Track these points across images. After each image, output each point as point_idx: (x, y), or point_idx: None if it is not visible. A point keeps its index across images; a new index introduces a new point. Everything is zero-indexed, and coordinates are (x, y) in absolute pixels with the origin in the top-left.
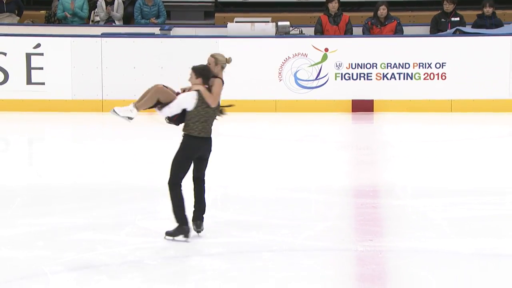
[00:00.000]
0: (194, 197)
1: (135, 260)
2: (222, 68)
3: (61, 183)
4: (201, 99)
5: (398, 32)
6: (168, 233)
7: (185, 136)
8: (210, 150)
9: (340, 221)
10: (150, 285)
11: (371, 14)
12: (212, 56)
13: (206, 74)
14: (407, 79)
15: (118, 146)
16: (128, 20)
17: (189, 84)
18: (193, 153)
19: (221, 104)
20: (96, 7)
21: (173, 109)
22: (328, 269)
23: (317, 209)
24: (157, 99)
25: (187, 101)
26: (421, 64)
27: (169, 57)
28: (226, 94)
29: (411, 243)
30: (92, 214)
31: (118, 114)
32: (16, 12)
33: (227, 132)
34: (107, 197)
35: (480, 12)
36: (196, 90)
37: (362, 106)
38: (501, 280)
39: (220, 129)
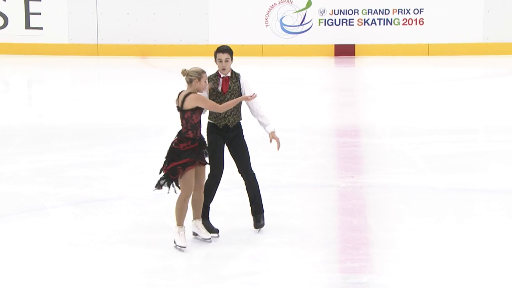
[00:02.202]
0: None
1: (129, 195)
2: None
3: (60, 123)
4: None
5: None
6: None
7: None
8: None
9: (323, 159)
10: (144, 219)
11: None
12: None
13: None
14: (386, 24)
15: (113, 88)
16: None
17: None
18: None
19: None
20: None
21: None
22: (311, 204)
23: (301, 147)
24: None
25: None
26: (400, 10)
27: (161, 3)
28: (216, 40)
29: (389, 179)
30: (89, 152)
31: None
32: None
33: None
34: (103, 136)
35: None
36: None
37: (344, 50)
38: (473, 211)
39: (210, 72)
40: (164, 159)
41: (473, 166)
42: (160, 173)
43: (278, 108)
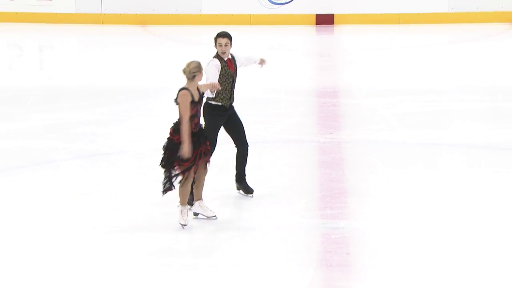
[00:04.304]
0: None
1: (131, 150)
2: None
3: (68, 84)
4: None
5: None
6: None
7: None
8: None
9: (305, 117)
10: (144, 171)
11: None
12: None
13: None
14: None
15: (115, 53)
16: None
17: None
18: None
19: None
20: None
21: None
22: (295, 158)
23: (286, 107)
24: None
25: None
26: None
27: None
28: (209, 10)
29: (364, 135)
30: (95, 111)
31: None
32: None
33: (207, 41)
34: (107, 96)
35: None
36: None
37: (324, 20)
38: (439, 163)
39: (202, 39)
40: (164, 150)
41: (439, 123)
42: (160, 164)
43: (265, 72)
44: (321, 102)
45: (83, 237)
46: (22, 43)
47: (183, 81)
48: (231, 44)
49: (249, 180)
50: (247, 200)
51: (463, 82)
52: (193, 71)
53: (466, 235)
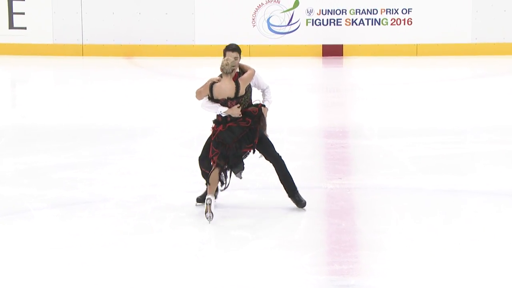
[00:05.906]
0: None
1: (115, 197)
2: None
3: (44, 124)
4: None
5: None
6: None
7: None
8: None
9: (311, 160)
10: (129, 221)
11: None
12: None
13: None
14: (375, 24)
15: (98, 88)
16: None
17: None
18: None
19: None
20: None
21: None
22: None
23: (289, 148)
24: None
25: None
26: (388, 10)
27: (146, 3)
28: (203, 40)
29: (377, 181)
30: (74, 153)
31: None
32: None
33: (204, 75)
34: (88, 137)
35: None
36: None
37: (332, 51)
38: (460, 213)
39: (195, 72)
40: (238, 143)
41: (460, 168)
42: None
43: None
44: (328, 143)
45: None
46: None
47: (173, 121)
48: (240, 57)
49: (248, 230)
50: (246, 251)
51: (487, 122)
52: (233, 64)
53: None
